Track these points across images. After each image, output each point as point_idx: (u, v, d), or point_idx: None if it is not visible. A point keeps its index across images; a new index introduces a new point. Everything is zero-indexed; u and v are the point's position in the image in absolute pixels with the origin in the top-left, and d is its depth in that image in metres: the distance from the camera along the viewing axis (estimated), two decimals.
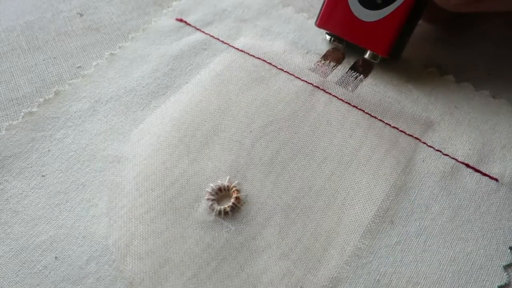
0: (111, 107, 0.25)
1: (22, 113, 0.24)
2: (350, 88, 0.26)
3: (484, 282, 0.19)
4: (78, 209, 0.21)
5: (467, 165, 0.23)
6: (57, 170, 0.22)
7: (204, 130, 0.24)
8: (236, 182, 0.22)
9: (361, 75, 0.26)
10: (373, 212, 0.21)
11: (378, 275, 0.20)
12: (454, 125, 0.24)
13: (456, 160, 0.23)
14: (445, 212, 0.21)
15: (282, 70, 0.26)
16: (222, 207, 0.21)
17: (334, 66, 0.27)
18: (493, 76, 0.27)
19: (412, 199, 0.22)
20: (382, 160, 0.23)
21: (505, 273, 0.20)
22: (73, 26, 0.29)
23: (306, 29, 0.29)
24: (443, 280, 0.19)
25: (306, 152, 0.23)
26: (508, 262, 0.20)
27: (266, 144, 0.23)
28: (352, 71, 0.26)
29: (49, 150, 0.23)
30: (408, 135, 0.24)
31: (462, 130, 0.24)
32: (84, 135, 0.24)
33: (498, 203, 0.22)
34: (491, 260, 0.20)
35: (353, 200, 0.21)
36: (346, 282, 0.19)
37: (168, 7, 0.30)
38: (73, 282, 0.19)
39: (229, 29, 0.29)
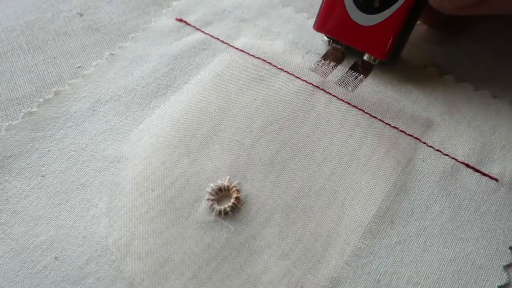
0: (111, 107, 0.25)
1: (22, 113, 0.24)
2: (350, 88, 0.26)
3: (484, 282, 0.19)
4: (78, 209, 0.21)
5: (467, 165, 0.23)
6: (57, 170, 0.22)
7: (204, 130, 0.24)
8: (236, 182, 0.22)
9: (361, 75, 0.26)
10: (373, 212, 0.21)
11: (378, 275, 0.20)
12: (454, 125, 0.24)
13: (456, 160, 0.23)
14: (445, 212, 0.21)
15: (282, 70, 0.26)
16: (222, 207, 0.21)
17: (334, 66, 0.27)
18: (493, 76, 0.27)
19: (412, 199, 0.22)
20: (382, 160, 0.23)
21: (505, 273, 0.20)
22: (73, 26, 0.29)
23: (306, 29, 0.29)
24: (443, 280, 0.19)
25: (306, 152, 0.23)
26: (508, 262, 0.20)
27: (266, 144, 0.23)
28: (352, 71, 0.26)
29: (49, 150, 0.23)
30: (408, 135, 0.24)
31: (462, 130, 0.24)
32: (84, 135, 0.24)
33: (498, 203, 0.22)
34: (491, 260, 0.20)
35: (353, 200, 0.21)
36: (346, 282, 0.19)
37: (168, 7, 0.30)
38: (73, 282, 0.19)
39: (229, 29, 0.29)
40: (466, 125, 0.24)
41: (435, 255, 0.20)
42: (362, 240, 0.20)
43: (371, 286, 0.19)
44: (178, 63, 0.27)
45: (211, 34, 0.28)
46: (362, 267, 0.20)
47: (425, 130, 0.24)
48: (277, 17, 0.30)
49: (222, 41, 0.28)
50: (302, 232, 0.20)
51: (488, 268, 0.20)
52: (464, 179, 0.22)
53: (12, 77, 0.26)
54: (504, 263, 0.20)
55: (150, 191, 0.21)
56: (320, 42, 0.28)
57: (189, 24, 0.29)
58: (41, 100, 0.25)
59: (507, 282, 0.19)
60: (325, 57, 0.27)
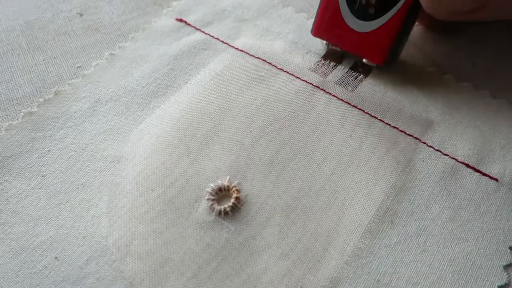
0: (111, 107, 0.25)
1: (22, 113, 0.24)
2: (350, 88, 0.26)
3: (484, 282, 0.19)
4: (78, 209, 0.21)
5: (467, 165, 0.23)
6: (57, 170, 0.22)
7: (204, 130, 0.24)
8: (236, 182, 0.22)
9: (361, 75, 0.26)
10: (373, 212, 0.21)
11: (378, 275, 0.20)
12: (454, 125, 0.24)
13: (456, 160, 0.23)
14: (445, 212, 0.21)
15: (282, 70, 0.26)
16: (222, 207, 0.21)
17: (334, 66, 0.27)
18: (493, 76, 0.27)
19: (412, 199, 0.22)
20: (382, 160, 0.23)
21: (505, 273, 0.20)
22: (73, 26, 0.29)
23: (306, 29, 0.29)
24: (443, 280, 0.19)
25: (306, 152, 0.23)
26: (508, 262, 0.20)
27: (266, 144, 0.23)
28: (352, 71, 0.26)
29: (49, 150, 0.23)
30: (408, 135, 0.24)
31: (462, 130, 0.24)
32: (84, 135, 0.24)
33: (498, 203, 0.22)
34: (491, 260, 0.20)
35: (353, 200, 0.21)
36: (346, 282, 0.19)
37: (168, 7, 0.30)
38: (73, 282, 0.19)
39: (229, 29, 0.29)
40: (466, 125, 0.24)
41: (435, 255, 0.20)
42: (362, 240, 0.20)
43: (371, 286, 0.19)
44: (178, 63, 0.27)
45: (211, 34, 0.28)
46: (362, 267, 0.20)
47: (425, 130, 0.24)
48: (277, 17, 0.30)
49: (222, 41, 0.28)
50: (302, 232, 0.20)
51: (488, 268, 0.20)
52: (464, 179, 0.22)
53: (12, 77, 0.26)
54: (504, 263, 0.20)
55: (150, 191, 0.21)
56: (320, 42, 0.28)
57: (189, 24, 0.29)
58: (41, 100, 0.25)
59: (507, 282, 0.20)
60: (325, 57, 0.27)
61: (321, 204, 0.21)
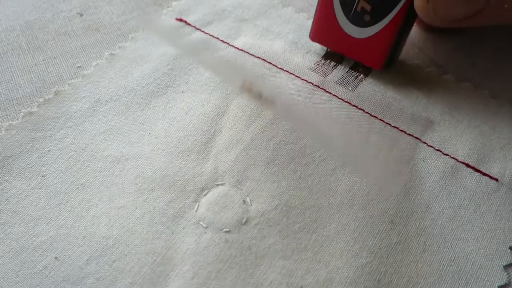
0: (111, 107, 0.25)
1: (22, 113, 0.24)
2: (350, 88, 0.26)
3: (484, 282, 0.19)
4: (78, 209, 0.21)
5: (467, 165, 0.23)
6: (57, 170, 0.22)
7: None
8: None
9: (361, 75, 0.26)
10: (373, 212, 0.21)
11: (378, 275, 0.20)
12: (454, 125, 0.24)
13: (456, 160, 0.23)
14: (445, 212, 0.21)
15: (282, 69, 0.26)
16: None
17: (334, 65, 0.27)
18: (493, 76, 0.27)
19: (412, 199, 0.22)
20: (382, 160, 0.23)
21: (505, 273, 0.20)
22: (73, 26, 0.29)
23: (306, 29, 0.29)
24: (443, 280, 0.19)
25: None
26: (508, 262, 0.20)
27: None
28: (352, 70, 0.26)
29: (49, 150, 0.23)
30: (408, 134, 0.24)
31: (462, 130, 0.24)
32: (84, 135, 0.24)
33: (498, 203, 0.22)
34: (491, 260, 0.20)
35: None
36: (346, 282, 0.19)
37: (168, 7, 0.30)
38: (73, 282, 0.19)
39: (229, 29, 0.29)
40: (466, 125, 0.24)
41: (435, 255, 0.20)
42: (362, 240, 0.20)
43: (371, 286, 0.19)
44: (178, 63, 0.27)
45: (211, 34, 0.28)
46: (362, 267, 0.20)
47: (425, 130, 0.24)
48: (277, 17, 0.30)
49: (222, 41, 0.28)
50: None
51: (488, 268, 0.20)
52: (464, 179, 0.22)
53: (12, 77, 0.26)
54: (504, 263, 0.20)
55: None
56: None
57: (189, 24, 0.29)
58: (41, 100, 0.25)
59: (507, 282, 0.20)
60: (325, 57, 0.27)
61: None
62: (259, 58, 0.27)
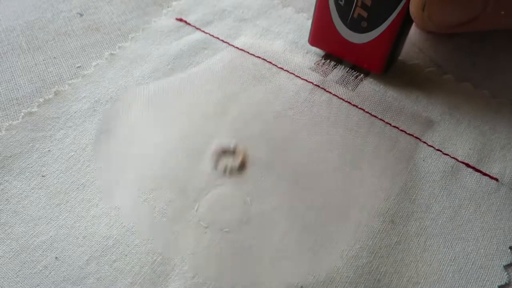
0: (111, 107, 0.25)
1: (22, 113, 0.24)
2: (350, 87, 0.26)
3: (484, 282, 0.19)
4: (78, 209, 0.21)
5: (467, 165, 0.23)
6: (57, 170, 0.22)
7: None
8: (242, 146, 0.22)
9: (361, 75, 0.26)
10: (373, 212, 0.21)
11: (379, 275, 0.20)
12: (454, 125, 0.24)
13: (456, 159, 0.23)
14: (445, 212, 0.21)
15: (283, 69, 0.26)
16: (229, 164, 0.21)
17: (334, 65, 0.27)
18: (493, 76, 0.27)
19: (413, 199, 0.22)
20: (382, 160, 0.23)
21: (505, 273, 0.20)
22: (73, 26, 0.29)
23: (306, 29, 0.29)
24: (443, 280, 0.19)
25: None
26: (508, 262, 0.20)
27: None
28: (353, 70, 0.26)
29: (49, 150, 0.23)
30: (408, 134, 0.24)
31: (462, 130, 0.24)
32: (84, 135, 0.23)
33: (498, 203, 0.22)
34: (491, 260, 0.20)
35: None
36: (346, 282, 0.19)
37: (168, 7, 0.30)
38: (74, 282, 0.19)
39: (229, 28, 0.29)
40: (466, 125, 0.24)
41: (435, 255, 0.20)
42: (363, 240, 0.20)
43: (371, 286, 0.19)
44: (178, 62, 0.27)
45: (211, 34, 0.28)
46: (362, 267, 0.20)
47: (425, 129, 0.24)
48: (277, 17, 0.30)
49: (222, 40, 0.28)
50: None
51: (488, 268, 0.20)
52: (464, 179, 0.22)
53: (12, 77, 0.26)
54: (504, 263, 0.20)
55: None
56: None
57: (189, 24, 0.29)
58: (41, 100, 0.25)
59: (507, 282, 0.20)
60: (326, 56, 0.27)
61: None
62: (259, 57, 0.27)
